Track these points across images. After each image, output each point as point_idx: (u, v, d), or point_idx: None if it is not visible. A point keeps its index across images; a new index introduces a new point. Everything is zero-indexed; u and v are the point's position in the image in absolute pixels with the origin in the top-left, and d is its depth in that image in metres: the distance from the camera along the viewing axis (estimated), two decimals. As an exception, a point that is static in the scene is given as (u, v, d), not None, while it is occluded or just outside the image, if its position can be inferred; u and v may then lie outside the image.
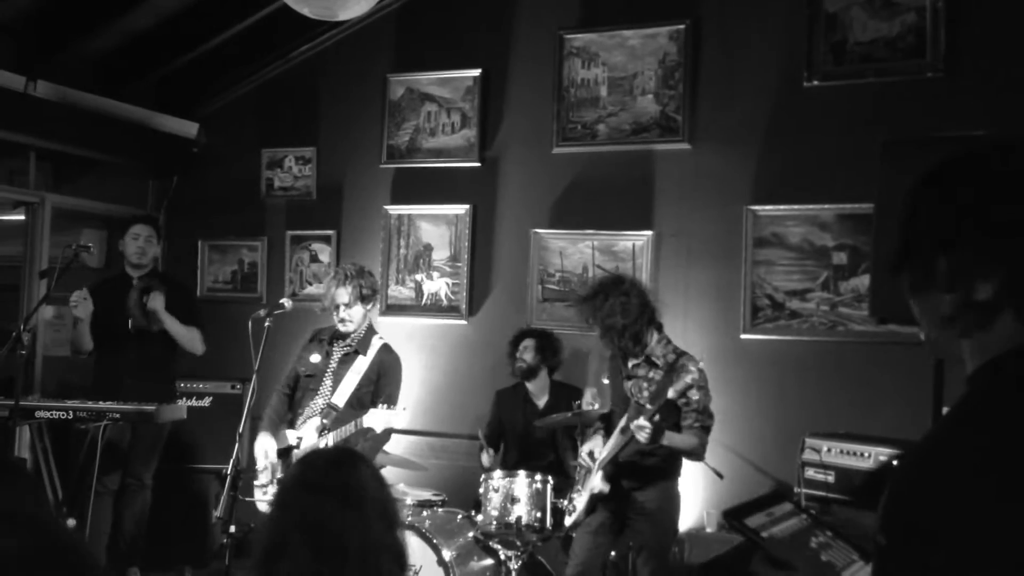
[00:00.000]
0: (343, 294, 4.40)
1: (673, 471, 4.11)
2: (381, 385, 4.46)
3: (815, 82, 4.91)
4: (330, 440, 4.26)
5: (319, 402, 4.44)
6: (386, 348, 4.55)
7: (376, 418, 4.15)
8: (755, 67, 5.10)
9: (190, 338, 5.04)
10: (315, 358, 4.49)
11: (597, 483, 4.02)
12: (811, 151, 4.91)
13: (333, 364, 4.48)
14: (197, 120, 6.38)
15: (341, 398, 4.40)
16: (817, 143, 4.90)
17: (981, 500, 1.00)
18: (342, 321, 4.43)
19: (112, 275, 5.29)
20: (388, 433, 4.38)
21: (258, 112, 6.49)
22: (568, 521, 4.16)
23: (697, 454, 4.00)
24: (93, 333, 4.91)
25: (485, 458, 4.87)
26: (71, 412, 4.35)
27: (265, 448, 4.40)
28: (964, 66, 4.61)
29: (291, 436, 4.39)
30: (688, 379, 3.76)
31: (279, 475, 4.33)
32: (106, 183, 6.35)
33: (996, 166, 1.15)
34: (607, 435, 4.14)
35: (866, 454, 3.97)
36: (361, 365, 4.44)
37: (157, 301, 4.90)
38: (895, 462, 3.86)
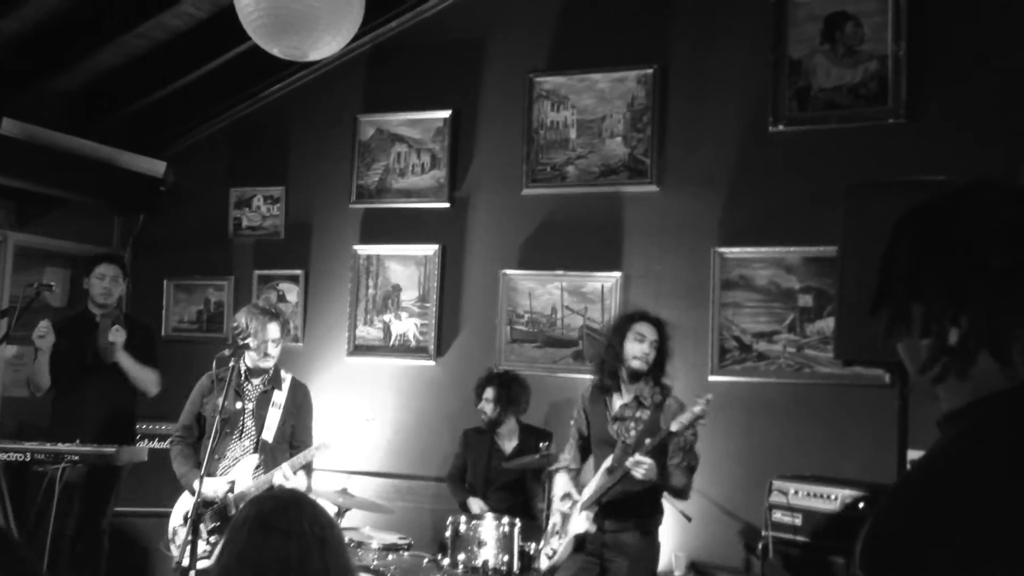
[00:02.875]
0: (275, 330, 4.39)
1: (655, 513, 4.10)
2: (300, 417, 4.52)
3: (780, 127, 4.99)
4: (254, 486, 4.21)
5: (245, 443, 4.38)
6: (296, 381, 4.60)
7: (285, 478, 4.21)
8: (721, 111, 5.17)
9: (144, 378, 4.96)
10: (226, 401, 4.27)
11: (583, 523, 3.98)
12: (777, 194, 4.97)
13: (250, 404, 4.42)
14: (165, 159, 6.33)
15: (269, 434, 4.38)
16: (782, 187, 4.96)
17: (978, 530, 1.01)
18: (266, 356, 4.39)
19: (74, 313, 5.21)
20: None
21: (227, 151, 6.47)
22: (547, 564, 4.10)
23: (685, 492, 4.02)
24: (52, 372, 4.82)
25: (475, 505, 4.81)
26: (29, 454, 4.24)
27: (215, 488, 4.25)
28: (925, 113, 4.70)
29: (217, 483, 4.25)
30: (697, 410, 3.78)
31: (209, 525, 4.23)
32: (71, 221, 6.27)
33: (960, 213, 1.18)
34: (579, 477, 4.12)
35: (833, 496, 3.97)
36: (279, 399, 4.44)
37: (119, 335, 4.85)
38: (860, 504, 3.87)
